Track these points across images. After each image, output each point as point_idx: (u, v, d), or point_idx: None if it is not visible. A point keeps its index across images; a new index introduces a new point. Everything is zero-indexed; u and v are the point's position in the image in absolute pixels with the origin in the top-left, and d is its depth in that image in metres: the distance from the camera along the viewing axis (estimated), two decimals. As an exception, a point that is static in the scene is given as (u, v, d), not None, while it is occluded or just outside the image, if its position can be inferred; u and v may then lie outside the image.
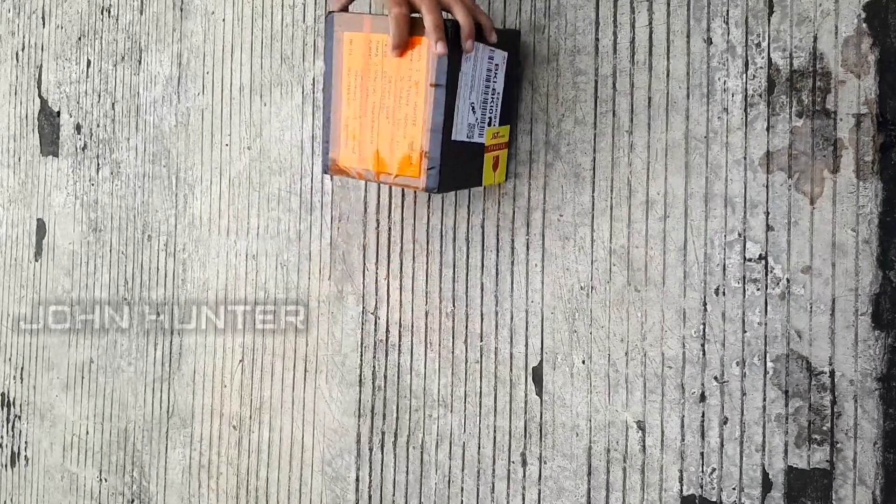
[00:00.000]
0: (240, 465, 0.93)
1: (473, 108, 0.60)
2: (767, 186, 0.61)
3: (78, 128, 1.15)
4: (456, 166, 0.61)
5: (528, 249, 0.72)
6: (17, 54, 1.27)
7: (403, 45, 0.58)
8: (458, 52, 0.57)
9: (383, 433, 0.80)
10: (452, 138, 0.59)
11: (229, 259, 0.95)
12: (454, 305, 0.76)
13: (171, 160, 1.02)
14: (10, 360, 1.24)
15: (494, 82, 0.61)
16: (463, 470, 0.74)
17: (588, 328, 0.68)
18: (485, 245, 0.74)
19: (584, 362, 0.68)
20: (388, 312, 0.81)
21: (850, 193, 0.57)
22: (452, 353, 0.76)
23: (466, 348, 0.75)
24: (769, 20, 0.61)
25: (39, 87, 1.22)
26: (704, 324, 0.63)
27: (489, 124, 0.62)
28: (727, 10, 0.62)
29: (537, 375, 0.71)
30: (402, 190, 0.80)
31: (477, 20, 0.59)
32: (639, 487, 0.65)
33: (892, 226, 0.56)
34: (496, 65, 0.60)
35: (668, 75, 0.65)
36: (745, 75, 0.62)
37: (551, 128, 0.71)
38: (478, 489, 0.73)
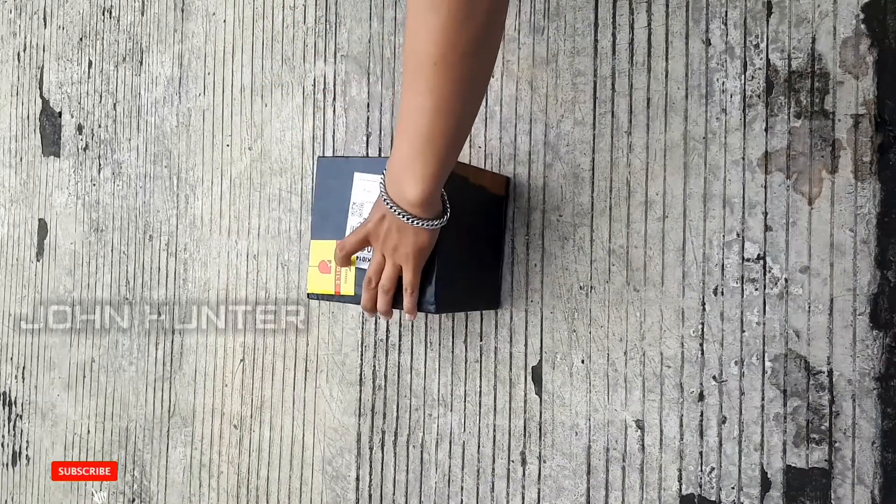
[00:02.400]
0: (240, 464, 0.93)
1: None
2: (766, 187, 0.61)
3: (79, 128, 1.16)
4: None
5: (527, 249, 0.72)
6: (18, 55, 1.27)
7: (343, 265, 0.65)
8: None
9: (383, 432, 0.81)
10: None
11: (230, 259, 0.95)
12: (454, 305, 0.76)
13: (173, 161, 1.02)
14: (11, 359, 1.25)
15: None
16: (463, 469, 0.75)
17: (587, 328, 0.68)
18: (484, 245, 0.74)
19: (583, 362, 0.68)
20: (388, 312, 0.81)
21: (849, 194, 0.58)
22: (452, 352, 0.76)
23: (466, 348, 0.75)
24: (767, 21, 0.61)
25: (41, 88, 1.23)
26: (703, 323, 0.63)
27: None
28: (725, 12, 0.63)
29: (537, 375, 0.71)
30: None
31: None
32: (638, 486, 0.65)
33: (890, 226, 0.56)
34: None
35: (666, 76, 0.65)
36: (743, 76, 0.62)
37: (550, 128, 0.71)
38: (477, 488, 0.74)
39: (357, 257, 0.65)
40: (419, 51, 0.47)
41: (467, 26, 0.45)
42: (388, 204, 0.57)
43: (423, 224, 0.57)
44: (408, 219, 0.57)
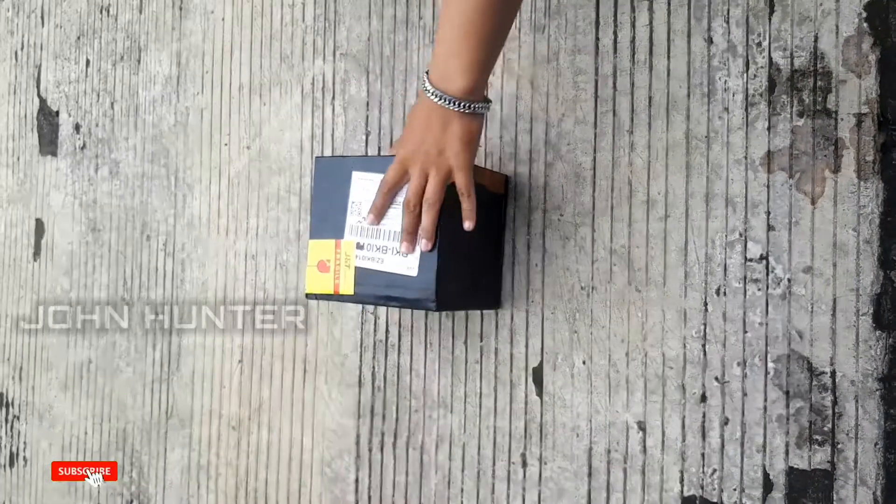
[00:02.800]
0: (239, 466, 0.92)
1: None
2: (768, 186, 0.60)
3: (77, 127, 1.15)
4: None
5: (528, 249, 0.71)
6: (16, 53, 1.27)
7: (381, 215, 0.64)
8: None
9: (383, 434, 0.80)
10: None
11: (228, 259, 0.95)
12: (454, 305, 0.76)
13: (170, 160, 1.02)
14: (8, 360, 1.24)
15: None
16: (463, 471, 0.74)
17: (588, 328, 0.68)
18: (485, 245, 0.74)
19: (584, 363, 0.68)
20: (387, 312, 0.80)
21: (852, 193, 0.57)
22: (452, 353, 0.76)
23: (466, 348, 0.75)
24: (770, 20, 0.61)
25: (38, 87, 1.22)
26: (705, 324, 0.63)
27: None
28: (728, 10, 0.62)
29: (537, 376, 0.70)
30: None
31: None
32: (639, 488, 0.65)
33: (893, 226, 0.56)
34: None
35: (668, 75, 0.65)
36: (745, 75, 0.62)
37: (551, 127, 0.71)
38: (478, 490, 0.73)
39: (356, 255, 0.64)
40: None
41: None
42: (433, 96, 0.57)
43: (472, 107, 0.57)
44: (457, 104, 0.57)
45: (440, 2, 0.65)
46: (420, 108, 0.60)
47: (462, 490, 0.74)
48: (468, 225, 0.61)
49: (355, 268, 0.64)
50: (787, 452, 0.59)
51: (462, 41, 0.54)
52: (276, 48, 0.91)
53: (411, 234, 0.61)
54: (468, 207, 0.61)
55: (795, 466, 0.59)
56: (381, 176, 0.63)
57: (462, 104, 0.57)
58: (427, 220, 0.60)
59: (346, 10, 0.85)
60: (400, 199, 0.62)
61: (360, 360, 0.82)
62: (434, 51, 0.57)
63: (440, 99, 0.57)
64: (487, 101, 0.60)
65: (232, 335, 0.94)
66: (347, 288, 0.65)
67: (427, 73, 0.59)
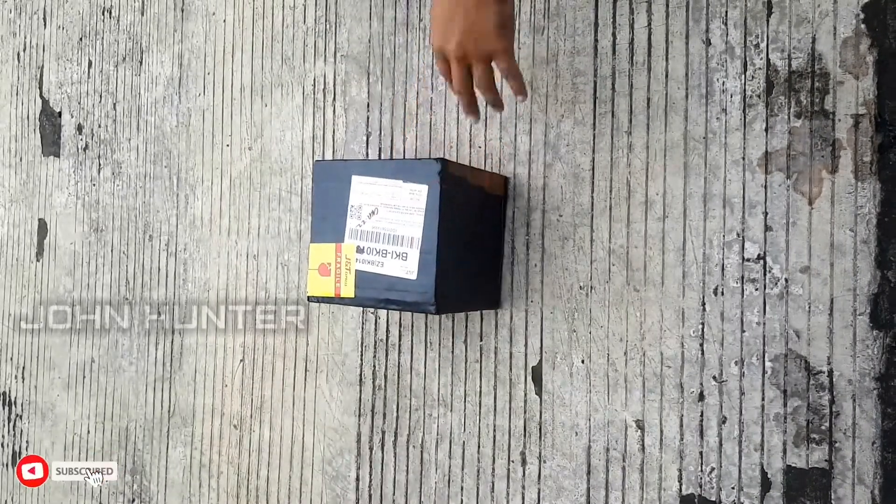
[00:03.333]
0: (240, 465, 0.93)
1: None
2: (766, 187, 0.61)
3: (79, 128, 1.15)
4: None
5: (527, 249, 0.72)
6: (18, 55, 1.27)
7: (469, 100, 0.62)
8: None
9: (383, 432, 0.81)
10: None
11: (230, 259, 0.95)
12: (454, 305, 0.76)
13: (172, 160, 1.02)
14: (11, 359, 1.25)
15: None
16: (463, 469, 0.75)
17: (587, 328, 0.68)
18: (484, 245, 0.74)
19: (583, 362, 0.68)
20: (388, 312, 0.81)
21: (849, 194, 0.58)
22: (452, 352, 0.76)
23: (466, 348, 0.75)
24: (768, 21, 0.61)
25: (41, 88, 1.23)
26: (703, 323, 0.63)
27: None
28: (726, 12, 0.63)
29: (537, 375, 0.71)
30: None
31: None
32: (638, 486, 0.65)
33: (890, 226, 0.56)
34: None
35: (666, 76, 0.65)
36: (743, 76, 0.62)
37: (550, 128, 0.71)
38: (477, 488, 0.74)
39: (356, 259, 0.65)
40: None
41: None
42: None
43: None
44: None
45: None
46: None
47: (462, 488, 0.75)
48: (521, 98, 0.61)
49: (356, 271, 0.65)
50: (784, 451, 0.59)
51: None
52: (278, 50, 0.92)
53: (471, 108, 0.61)
54: (516, 85, 0.60)
55: (793, 465, 0.59)
56: (380, 180, 0.64)
57: None
58: (490, 98, 0.60)
59: (346, 13, 0.86)
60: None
61: (361, 359, 0.83)
62: None
63: None
64: None
65: (234, 334, 0.94)
66: (348, 291, 0.66)
67: None
